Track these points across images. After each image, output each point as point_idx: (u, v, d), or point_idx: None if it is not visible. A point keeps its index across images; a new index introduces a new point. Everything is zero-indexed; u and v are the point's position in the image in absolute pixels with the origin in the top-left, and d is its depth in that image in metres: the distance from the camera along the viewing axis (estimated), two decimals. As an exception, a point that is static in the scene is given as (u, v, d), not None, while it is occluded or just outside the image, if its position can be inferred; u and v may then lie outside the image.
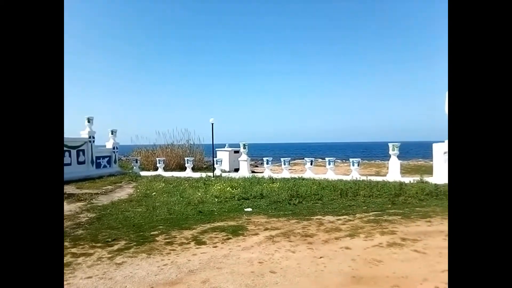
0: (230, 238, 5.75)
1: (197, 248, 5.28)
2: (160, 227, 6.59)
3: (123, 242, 5.59)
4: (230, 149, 19.77)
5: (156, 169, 18.03)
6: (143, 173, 16.81)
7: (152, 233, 6.16)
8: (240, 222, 6.91)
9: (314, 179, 12.95)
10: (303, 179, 13.36)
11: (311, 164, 15.24)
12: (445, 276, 3.97)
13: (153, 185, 12.54)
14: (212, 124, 15.07)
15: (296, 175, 14.71)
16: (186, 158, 17.79)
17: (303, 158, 17.31)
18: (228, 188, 10.42)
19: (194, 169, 17.95)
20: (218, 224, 6.78)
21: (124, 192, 11.63)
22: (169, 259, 4.78)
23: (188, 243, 5.52)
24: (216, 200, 9.25)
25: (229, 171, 18.03)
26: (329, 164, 14.93)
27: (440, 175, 12.61)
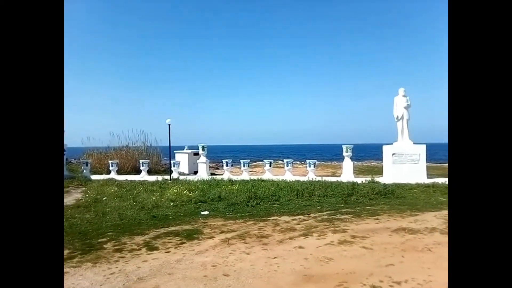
0: (184, 243, 5.59)
1: (148, 254, 5.06)
2: (109, 233, 6.22)
3: (66, 252, 5.18)
4: (189, 151, 19.35)
5: (109, 172, 17.09)
6: (94, 177, 15.82)
7: (99, 240, 5.79)
8: (196, 225, 6.76)
9: (272, 181, 13.12)
10: (262, 180, 13.48)
11: (270, 165, 15.45)
12: (389, 270, 4.22)
13: (104, 189, 11.84)
14: (169, 125, 14.64)
15: (255, 177, 14.80)
16: (141, 161, 17.09)
17: (263, 160, 17.46)
18: (185, 192, 10.17)
19: (150, 172, 17.30)
20: (173, 228, 6.57)
21: (71, 197, 10.83)
22: (117, 267, 4.51)
23: (139, 249, 5.27)
24: (172, 204, 8.96)
25: (188, 174, 17.64)
26: (287, 165, 15.25)
27: (388, 175, 13.47)
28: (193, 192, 10.37)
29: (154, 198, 9.65)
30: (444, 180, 12.62)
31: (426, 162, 13.63)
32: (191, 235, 6.01)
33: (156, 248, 5.31)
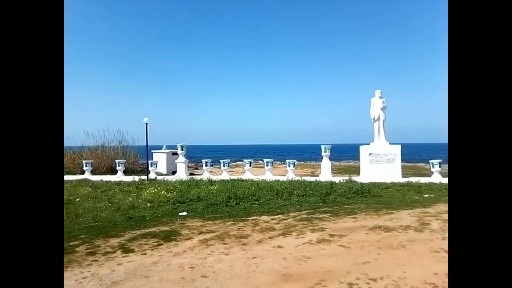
0: (161, 244, 5.46)
1: (123, 256, 4.89)
2: (82, 236, 5.97)
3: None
4: (167, 150, 18.97)
5: (83, 172, 16.47)
6: (67, 177, 15.17)
7: (71, 243, 5.54)
8: (174, 227, 6.62)
9: (252, 180, 13.10)
10: (242, 180, 13.44)
11: (250, 165, 15.44)
12: (365, 268, 4.30)
13: (77, 190, 11.38)
14: (146, 124, 14.29)
15: (235, 177, 14.74)
16: (117, 161, 16.58)
17: (243, 160, 17.42)
18: (163, 192, 9.95)
19: (127, 173, 16.84)
20: (149, 230, 6.40)
21: (42, 199, 10.33)
22: (89, 271, 4.33)
23: (114, 252, 5.09)
24: (149, 204, 8.75)
25: (166, 174, 17.31)
26: (267, 165, 15.29)
27: (365, 174, 13.80)
28: (171, 192, 10.17)
29: (130, 199, 9.39)
30: (418, 179, 13.09)
31: (401, 161, 14.08)
32: (168, 237, 5.88)
33: (132, 251, 5.15)
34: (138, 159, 20.81)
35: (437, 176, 13.58)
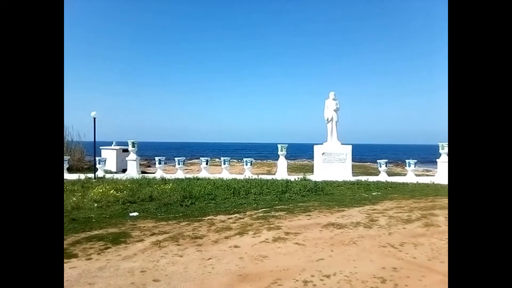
0: (109, 248, 5.08)
1: (65, 262, 4.45)
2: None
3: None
4: (117, 147, 17.90)
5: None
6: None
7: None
8: (123, 228, 6.22)
9: (209, 179, 12.88)
10: (198, 179, 13.15)
11: (207, 164, 15.17)
12: (319, 265, 4.41)
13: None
14: (94, 118, 13.31)
15: (191, 175, 14.37)
16: (61, 157, 15.22)
17: (199, 158, 17.06)
18: (111, 191, 9.31)
19: (71, 170, 15.58)
20: (96, 232, 5.93)
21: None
22: (23, 281, 3.86)
23: (53, 258, 4.61)
24: (96, 205, 8.13)
25: (116, 172, 16.32)
26: (224, 163, 15.14)
27: (318, 173, 14.31)
28: (121, 192, 9.58)
29: (74, 198, 8.64)
30: (366, 178, 13.91)
31: (352, 161, 14.84)
32: (117, 239, 5.49)
33: (75, 256, 4.72)
34: (85, 155, 19.38)
35: (384, 175, 14.56)
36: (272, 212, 7.60)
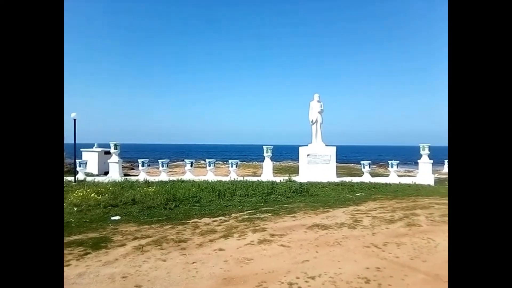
0: (89, 253, 4.91)
1: (41, 270, 4.26)
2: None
3: None
4: (99, 149, 17.45)
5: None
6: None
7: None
8: (104, 233, 6.03)
9: (193, 181, 12.72)
10: (182, 181, 12.97)
11: (191, 166, 14.98)
12: (304, 266, 4.40)
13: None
14: (74, 119, 12.92)
15: (175, 178, 14.16)
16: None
17: (184, 160, 16.83)
18: (92, 195, 9.05)
19: (50, 173, 15.03)
20: (75, 237, 5.73)
21: None
22: (-5, 291, 3.67)
23: (29, 266, 4.41)
24: (76, 209, 7.87)
25: (97, 175, 15.89)
26: (210, 165, 15.00)
27: (304, 174, 14.39)
28: (102, 195, 9.31)
29: (53, 203, 8.34)
30: (350, 179, 14.09)
31: (336, 162, 15.01)
32: (98, 244, 5.32)
33: (52, 262, 4.53)
34: (65, 158, 18.76)
35: (367, 176, 14.79)
36: (258, 214, 7.57)
